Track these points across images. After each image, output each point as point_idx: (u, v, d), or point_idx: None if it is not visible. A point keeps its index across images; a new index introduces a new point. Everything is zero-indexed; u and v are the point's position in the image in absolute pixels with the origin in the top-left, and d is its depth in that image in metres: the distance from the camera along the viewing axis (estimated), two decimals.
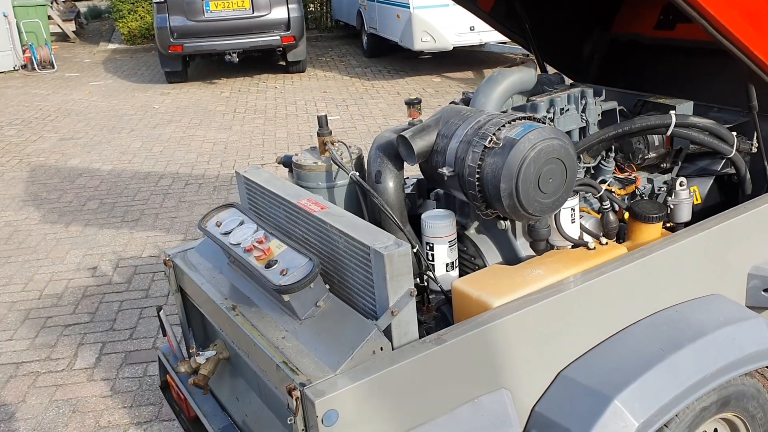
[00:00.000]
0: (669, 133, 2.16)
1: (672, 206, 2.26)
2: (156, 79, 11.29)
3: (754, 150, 2.38)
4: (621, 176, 2.35)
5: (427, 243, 2.15)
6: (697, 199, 2.46)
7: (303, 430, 1.59)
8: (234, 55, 10.21)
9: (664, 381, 1.85)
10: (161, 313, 2.44)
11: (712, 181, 2.47)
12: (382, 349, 1.68)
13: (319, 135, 2.24)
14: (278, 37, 10.21)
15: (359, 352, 1.64)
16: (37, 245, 4.98)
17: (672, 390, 1.84)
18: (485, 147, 1.86)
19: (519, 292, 1.88)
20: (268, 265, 1.82)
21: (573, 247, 2.09)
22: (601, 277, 1.90)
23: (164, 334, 2.45)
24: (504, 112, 2.30)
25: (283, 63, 11.26)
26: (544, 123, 1.93)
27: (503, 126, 1.88)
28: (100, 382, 3.31)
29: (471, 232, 2.24)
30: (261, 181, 2.19)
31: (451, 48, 9.68)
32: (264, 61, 11.75)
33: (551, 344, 1.88)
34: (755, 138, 2.38)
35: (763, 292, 2.24)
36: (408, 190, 2.50)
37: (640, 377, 1.84)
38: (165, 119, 8.57)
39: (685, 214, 2.27)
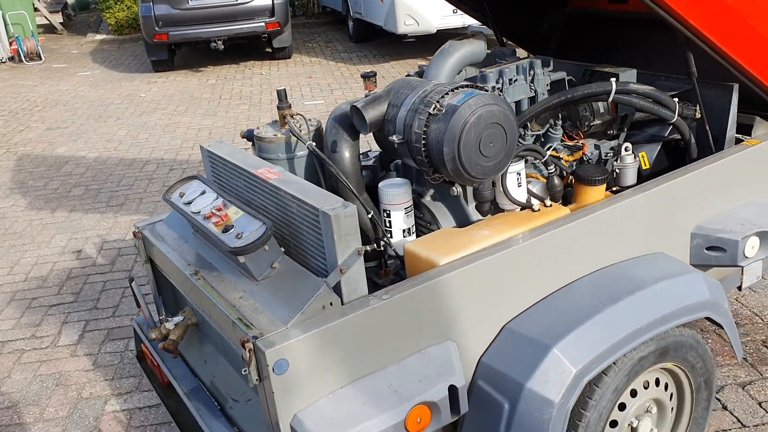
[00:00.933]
0: (611, 99, 2.26)
1: (617, 171, 2.36)
2: (143, 68, 11.36)
3: (698, 116, 2.48)
4: (569, 143, 2.45)
5: (384, 210, 2.26)
6: (645, 165, 2.56)
7: (257, 379, 1.70)
8: (219, 42, 10.27)
9: (601, 331, 1.96)
10: (133, 284, 2.55)
11: (659, 147, 2.58)
12: (331, 304, 1.79)
13: (279, 108, 2.34)
14: (263, 24, 10.28)
15: (309, 307, 1.75)
16: (23, 231, 5.07)
17: (608, 340, 1.95)
18: (430, 114, 1.96)
19: (465, 251, 1.99)
20: (225, 230, 1.92)
21: (522, 210, 2.20)
22: (542, 235, 2.01)
23: (137, 304, 2.56)
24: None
25: (269, 50, 11.32)
26: (486, 91, 2.03)
27: (446, 94, 1.98)
28: (83, 357, 3.42)
29: (427, 199, 2.34)
30: (223, 153, 2.29)
31: (435, 31, 9.75)
32: (250, 48, 11.81)
33: (496, 299, 1.98)
34: (698, 104, 2.49)
35: (705, 251, 2.35)
36: (370, 162, 2.60)
37: (578, 328, 1.95)
38: (151, 107, 8.65)
39: (629, 178, 2.37)
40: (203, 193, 2.15)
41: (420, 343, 1.88)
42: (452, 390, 1.80)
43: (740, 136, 2.59)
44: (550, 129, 2.39)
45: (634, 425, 2.17)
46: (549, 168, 2.24)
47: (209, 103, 8.65)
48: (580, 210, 2.15)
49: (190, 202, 2.13)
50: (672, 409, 2.28)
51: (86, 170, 6.39)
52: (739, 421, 2.66)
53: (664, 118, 2.37)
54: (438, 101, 1.96)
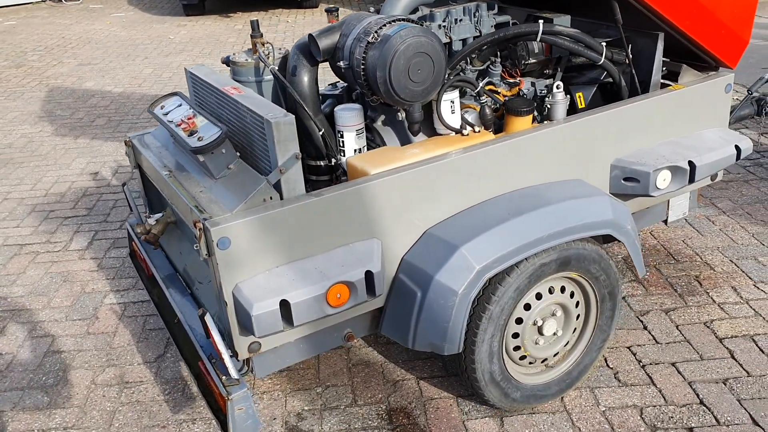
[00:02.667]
0: (538, 39, 2.55)
1: (549, 106, 2.67)
2: (175, 11, 11.71)
3: (628, 61, 2.76)
4: (509, 80, 2.76)
5: (339, 131, 2.59)
6: (581, 104, 2.86)
7: (206, 254, 2.07)
8: None
9: (504, 237, 2.29)
10: (125, 188, 2.94)
11: (595, 88, 2.86)
12: (271, 198, 2.14)
13: (252, 37, 2.68)
14: None
15: (251, 199, 2.10)
16: (48, 153, 5.51)
17: (510, 245, 2.28)
18: (368, 42, 2.29)
19: (393, 164, 2.33)
20: (191, 134, 2.28)
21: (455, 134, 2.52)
22: (462, 155, 2.34)
23: (129, 207, 2.95)
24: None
25: None
26: (420, 24, 2.34)
27: (384, 25, 2.30)
28: (89, 260, 3.85)
29: (378, 124, 2.67)
30: (201, 74, 2.65)
31: None
32: None
33: (420, 207, 2.32)
34: (629, 49, 2.77)
35: (623, 181, 2.66)
36: (337, 92, 2.94)
37: (484, 233, 2.29)
38: (178, 49, 9.02)
39: (560, 112, 2.67)
40: (180, 105, 2.52)
41: (348, 238, 2.23)
42: (368, 274, 2.16)
43: (668, 82, 2.87)
44: (491, 66, 2.70)
45: (539, 324, 2.51)
46: (482, 99, 2.55)
47: (233, 47, 8.98)
48: (501, 136, 2.47)
49: (168, 113, 2.50)
50: (578, 316, 2.61)
51: (110, 103, 6.80)
52: (654, 338, 2.99)
53: (592, 60, 2.66)
54: (376, 31, 2.29)
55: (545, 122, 2.62)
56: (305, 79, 2.54)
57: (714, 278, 3.38)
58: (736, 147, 2.78)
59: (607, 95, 2.87)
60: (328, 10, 2.71)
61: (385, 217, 2.27)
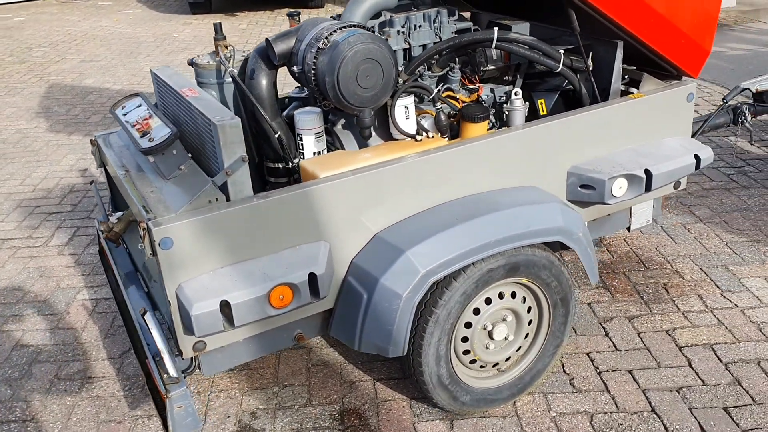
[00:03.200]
0: (493, 46, 2.57)
1: (507, 113, 2.69)
2: (182, 9, 11.80)
3: (589, 68, 2.78)
4: (469, 86, 2.78)
5: (298, 134, 2.63)
6: (543, 110, 2.88)
7: (151, 253, 2.11)
8: None
9: (450, 242, 2.31)
10: (93, 185, 2.99)
11: (557, 95, 2.88)
12: (217, 200, 2.18)
13: (215, 39, 2.72)
14: None
15: (196, 200, 2.14)
16: (40, 149, 5.59)
17: (455, 249, 2.30)
18: (319, 48, 2.32)
19: (344, 168, 2.36)
20: (143, 135, 2.32)
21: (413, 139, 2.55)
22: (412, 160, 2.36)
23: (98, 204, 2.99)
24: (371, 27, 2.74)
25: None
26: (371, 31, 2.37)
27: (335, 31, 2.33)
28: (67, 256, 3.90)
29: (338, 128, 2.70)
30: (163, 76, 2.69)
31: None
32: None
33: (370, 211, 2.35)
34: (589, 57, 2.78)
35: (579, 188, 2.68)
36: (303, 95, 2.97)
37: (431, 237, 2.31)
38: (180, 47, 9.09)
39: (518, 119, 2.69)
40: (139, 106, 2.56)
41: (295, 240, 2.27)
42: (312, 276, 2.19)
43: (632, 89, 2.88)
44: (449, 72, 2.72)
45: (489, 329, 2.53)
46: (437, 105, 2.58)
47: (235, 46, 9.04)
48: (456, 142, 2.49)
49: (127, 114, 2.54)
50: (530, 321, 2.63)
51: (107, 100, 6.87)
52: (614, 345, 3.00)
53: (550, 68, 2.68)
54: (326, 37, 2.32)
55: (502, 129, 2.64)
56: (263, 82, 2.57)
57: (681, 286, 3.39)
58: (696, 156, 2.79)
59: (570, 102, 2.89)
60: (289, 14, 2.74)
61: (335, 220, 2.30)
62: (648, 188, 2.68)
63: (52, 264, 3.83)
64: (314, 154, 2.64)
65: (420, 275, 2.27)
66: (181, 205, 2.15)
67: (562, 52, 2.68)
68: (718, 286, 3.38)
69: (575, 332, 3.09)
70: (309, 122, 2.59)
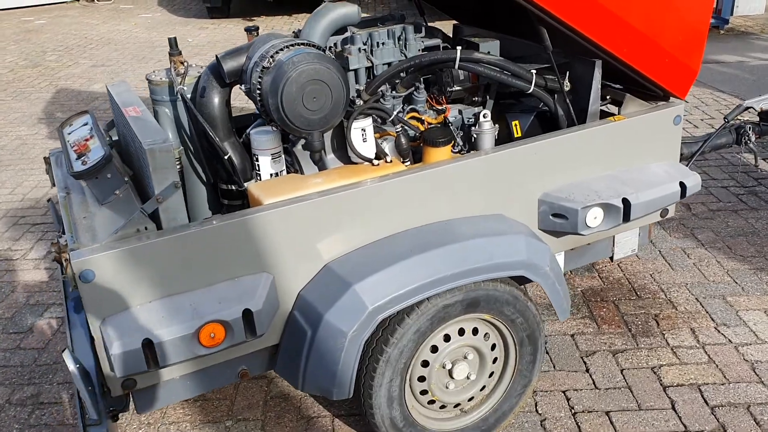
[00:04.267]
0: (456, 67, 2.41)
1: (475, 135, 2.52)
2: (201, 13, 11.76)
3: (566, 88, 2.59)
4: (436, 107, 2.61)
5: (254, 155, 2.49)
6: (517, 133, 2.70)
7: (74, 285, 1.98)
8: None
9: (402, 276, 2.15)
10: (50, 203, 2.87)
11: (532, 116, 2.70)
12: (146, 228, 2.04)
13: (170, 55, 2.59)
14: None
15: (123, 229, 2.00)
16: (36, 157, 5.53)
17: (408, 284, 2.14)
18: (264, 67, 2.17)
19: (292, 193, 2.21)
20: (79, 157, 2.20)
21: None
22: (364, 186, 2.20)
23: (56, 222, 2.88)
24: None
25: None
26: (321, 50, 2.22)
27: (281, 50, 2.18)
28: (42, 271, 3.81)
29: (297, 148, 2.55)
30: (115, 93, 2.56)
31: None
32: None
33: (319, 240, 2.20)
34: (566, 77, 2.60)
35: (551, 217, 2.49)
36: None
37: (382, 270, 2.15)
38: (193, 52, 9.03)
39: (487, 143, 2.52)
40: (84, 125, 2.44)
41: (234, 272, 2.12)
42: (247, 313, 2.04)
43: (613, 111, 2.69)
44: (414, 92, 2.56)
45: (449, 367, 2.36)
46: (396, 128, 2.42)
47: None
48: (415, 167, 2.33)
49: (72, 132, 2.42)
50: (495, 359, 2.46)
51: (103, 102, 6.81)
52: (594, 383, 2.81)
53: (520, 89, 2.50)
54: (272, 56, 2.17)
55: (469, 152, 2.47)
56: (215, 100, 2.44)
57: (674, 318, 3.18)
58: (681, 184, 2.59)
59: (547, 124, 2.71)
60: (247, 29, 2.60)
61: (280, 250, 2.15)
62: (626, 218, 2.48)
63: (26, 278, 3.74)
64: (271, 175, 2.50)
65: (368, 312, 2.11)
66: (107, 234, 2.02)
67: (534, 72, 2.50)
68: (713, 319, 3.16)
69: (554, 367, 2.91)
70: (265, 142, 2.45)
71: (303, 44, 2.21)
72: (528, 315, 2.39)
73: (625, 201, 2.46)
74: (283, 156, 2.51)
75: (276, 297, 2.18)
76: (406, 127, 2.48)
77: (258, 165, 2.49)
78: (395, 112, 2.42)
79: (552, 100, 2.57)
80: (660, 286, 3.43)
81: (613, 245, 2.83)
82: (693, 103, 6.23)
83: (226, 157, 2.41)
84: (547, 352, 2.99)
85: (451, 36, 3.15)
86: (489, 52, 2.52)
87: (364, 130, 2.37)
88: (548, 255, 2.37)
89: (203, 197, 2.65)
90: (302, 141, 2.54)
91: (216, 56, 2.38)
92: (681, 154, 3.28)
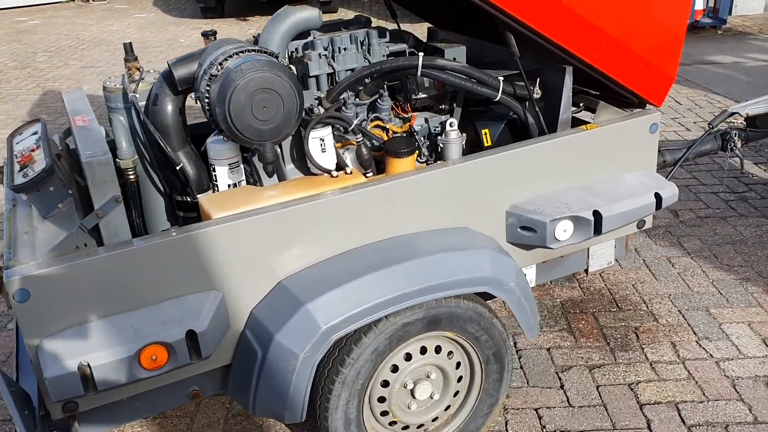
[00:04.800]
0: (419, 74, 2.31)
1: (442, 145, 2.41)
2: (195, 13, 11.67)
3: (536, 96, 2.49)
4: (403, 115, 2.51)
5: (211, 165, 2.39)
6: (487, 141, 2.60)
7: (9, 306, 1.88)
8: None
9: (357, 293, 2.05)
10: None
11: (503, 125, 2.60)
12: (86, 245, 1.95)
13: (125, 61, 2.49)
14: None
15: (60, 245, 1.91)
16: None
17: (363, 302, 2.04)
18: (212, 75, 2.08)
19: (244, 207, 2.11)
20: (22, 168, 2.10)
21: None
22: (318, 200, 2.10)
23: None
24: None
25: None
26: (275, 57, 2.12)
27: (230, 57, 2.08)
28: None
29: (255, 157, 2.45)
30: (68, 100, 2.47)
31: None
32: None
33: (272, 256, 2.10)
34: (537, 84, 2.50)
35: (519, 230, 2.39)
36: None
37: (336, 288, 2.05)
38: (184, 53, 8.92)
39: (453, 152, 2.42)
40: (33, 134, 2.34)
41: (180, 290, 2.02)
42: (191, 334, 1.94)
43: (587, 120, 2.59)
44: (378, 100, 2.45)
45: (410, 387, 2.27)
46: (357, 137, 2.32)
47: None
48: (376, 179, 2.23)
49: (20, 142, 2.32)
50: (460, 378, 2.36)
51: (98, 108, 6.70)
52: (568, 400, 2.71)
53: (487, 97, 2.40)
54: (221, 63, 2.07)
55: (435, 163, 2.37)
56: (168, 108, 2.34)
57: (654, 331, 3.08)
58: (657, 195, 2.48)
59: (519, 132, 2.60)
60: (204, 34, 2.51)
61: (229, 267, 2.06)
62: (598, 231, 2.38)
63: None
64: (229, 186, 2.40)
65: (321, 332, 2.02)
66: (44, 251, 1.92)
67: (501, 78, 2.40)
68: (695, 332, 3.06)
69: (527, 383, 2.81)
70: (221, 152, 2.35)
71: (254, 51, 2.11)
72: (493, 332, 2.29)
73: (596, 213, 2.36)
74: (241, 166, 2.42)
75: (226, 316, 2.09)
76: (367, 137, 2.38)
77: (215, 176, 2.39)
78: (356, 121, 2.32)
79: (521, 108, 2.47)
80: (642, 297, 3.33)
81: (588, 257, 2.73)
82: (686, 105, 6.12)
83: (178, 168, 2.31)
84: (521, 367, 2.89)
85: (425, 40, 3.05)
86: (455, 59, 2.42)
87: (323, 140, 2.27)
88: (514, 270, 2.27)
89: (161, 208, 2.56)
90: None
91: (168, 62, 2.28)
92: (664, 161, 3.18)
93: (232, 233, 2.03)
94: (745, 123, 3.48)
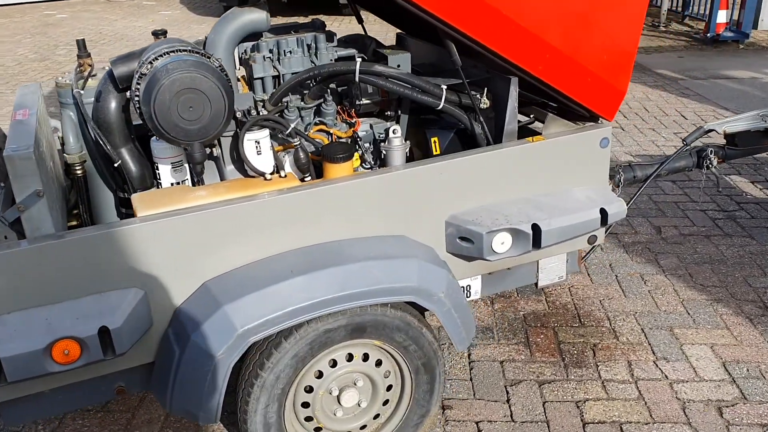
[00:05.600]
0: (356, 80, 2.29)
1: (384, 152, 2.40)
2: (219, 12, 11.79)
3: (483, 106, 2.47)
4: (349, 120, 2.50)
5: (155, 163, 2.41)
6: (436, 150, 2.57)
7: None
8: None
9: (278, 297, 2.04)
10: None
11: (452, 133, 2.58)
12: (6, 238, 1.97)
13: (78, 57, 2.52)
14: None
15: None
16: None
17: (283, 306, 2.03)
18: (141, 74, 2.09)
19: (170, 206, 2.12)
20: None
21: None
22: (247, 203, 2.10)
23: None
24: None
25: (340, 3, 11.42)
26: (207, 57, 2.12)
27: (161, 56, 2.10)
28: None
29: None
30: (19, 94, 2.51)
31: None
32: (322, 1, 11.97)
33: (199, 256, 2.10)
34: (484, 94, 2.47)
35: (458, 240, 2.37)
36: None
37: (256, 292, 2.05)
38: None
39: (396, 160, 2.40)
40: None
41: (101, 286, 2.03)
42: (103, 330, 1.95)
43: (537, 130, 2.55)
44: (323, 104, 2.45)
45: (336, 394, 2.25)
46: (294, 141, 2.31)
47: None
48: (304, 185, 2.22)
49: None
50: (390, 386, 2.34)
51: None
52: (511, 414, 2.67)
53: (428, 105, 2.38)
54: (150, 62, 2.09)
55: (364, 171, 2.36)
56: (111, 105, 2.36)
57: (612, 349, 3.02)
58: (602, 211, 2.44)
59: (469, 142, 2.58)
60: (154, 33, 2.53)
61: (152, 265, 2.07)
62: (537, 245, 2.35)
63: None
64: (172, 184, 2.42)
65: (237, 334, 2.02)
66: None
67: (444, 87, 2.38)
68: (653, 352, 3.00)
69: (474, 395, 2.78)
70: (164, 150, 2.37)
71: (186, 51, 2.12)
72: (422, 343, 2.27)
73: (536, 227, 2.33)
74: (186, 165, 2.43)
75: (147, 314, 2.09)
76: (309, 141, 2.37)
77: (159, 174, 2.41)
78: (293, 125, 2.32)
79: (467, 118, 2.45)
80: (607, 314, 3.28)
81: (537, 271, 2.69)
82: (691, 119, 6.02)
83: (116, 165, 2.33)
84: (470, 379, 2.86)
85: (394, 45, 3.05)
86: (399, 66, 2.40)
87: (258, 142, 2.28)
88: (444, 281, 2.25)
89: (110, 204, 2.58)
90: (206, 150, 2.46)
91: (110, 60, 2.31)
92: (634, 176, 3.14)
93: (153, 232, 2.03)
94: (725, 140, 3.41)
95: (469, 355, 3.01)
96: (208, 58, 2.13)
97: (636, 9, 2.40)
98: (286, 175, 2.27)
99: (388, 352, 2.29)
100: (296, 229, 2.18)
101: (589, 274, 3.61)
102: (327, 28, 2.60)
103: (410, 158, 2.64)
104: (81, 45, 2.51)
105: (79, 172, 2.48)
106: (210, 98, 2.06)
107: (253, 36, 2.52)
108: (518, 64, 2.28)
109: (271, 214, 2.14)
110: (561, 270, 2.73)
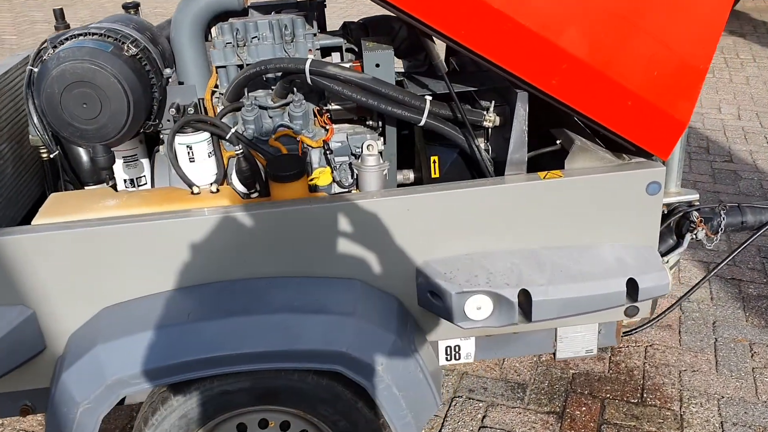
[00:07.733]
0: (308, 80, 1.81)
1: (356, 171, 1.93)
2: None
3: (488, 124, 1.89)
4: (323, 126, 2.03)
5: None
6: (435, 172, 2.04)
7: None
8: None
9: (162, 346, 1.68)
10: None
11: (456, 154, 2.02)
12: None
13: (56, 28, 2.26)
14: None
15: None
16: None
17: (167, 358, 1.67)
18: (42, 60, 1.77)
19: (72, 215, 1.80)
20: None
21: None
22: (147, 223, 1.73)
23: None
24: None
25: None
26: (122, 43, 1.75)
27: (68, 38, 1.76)
28: None
29: (160, 154, 2.13)
30: None
31: None
32: None
33: (96, 279, 1.78)
34: (491, 108, 1.89)
35: (428, 294, 1.85)
36: None
37: (139, 334, 1.70)
38: None
39: (369, 183, 1.92)
40: None
41: None
42: None
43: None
44: (291, 106, 1.99)
45: None
46: (237, 148, 1.89)
47: None
48: (231, 207, 1.80)
49: None
50: None
51: None
52: None
53: (406, 120, 1.85)
54: (55, 45, 1.75)
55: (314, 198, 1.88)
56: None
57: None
58: (632, 282, 1.79)
59: (477, 165, 2.02)
60: (124, 6, 2.19)
61: (44, 282, 1.77)
62: (528, 318, 1.77)
63: None
64: (125, 181, 2.11)
65: (105, 385, 1.68)
66: None
67: (428, 98, 1.83)
68: None
69: None
70: None
71: (98, 35, 1.76)
72: (356, 419, 1.80)
73: (526, 294, 1.75)
74: (141, 161, 2.11)
75: (37, 335, 1.81)
76: (258, 150, 1.95)
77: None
78: (234, 129, 1.89)
79: (463, 138, 1.89)
80: (681, 392, 2.57)
81: (555, 340, 2.09)
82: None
83: (52, 155, 2.04)
84: None
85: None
86: (378, 65, 1.87)
87: (191, 147, 1.89)
88: (388, 348, 1.75)
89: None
90: (163, 146, 2.12)
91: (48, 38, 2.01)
92: (742, 222, 2.37)
93: (37, 245, 1.73)
94: None
95: (482, 418, 2.47)
96: (124, 44, 1.76)
97: (714, 9, 1.70)
98: (218, 190, 1.87)
99: (314, 424, 1.84)
100: (210, 260, 1.78)
101: (680, 332, 2.88)
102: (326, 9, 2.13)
103: (418, 181, 2.14)
104: (58, 15, 2.24)
105: (44, 155, 2.24)
106: (108, 95, 1.69)
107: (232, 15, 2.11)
108: (518, 74, 1.69)
109: (180, 238, 1.75)
110: (590, 342, 2.11)
